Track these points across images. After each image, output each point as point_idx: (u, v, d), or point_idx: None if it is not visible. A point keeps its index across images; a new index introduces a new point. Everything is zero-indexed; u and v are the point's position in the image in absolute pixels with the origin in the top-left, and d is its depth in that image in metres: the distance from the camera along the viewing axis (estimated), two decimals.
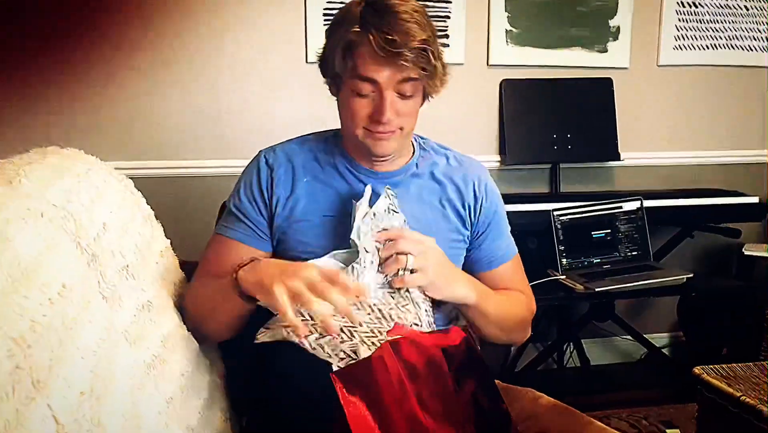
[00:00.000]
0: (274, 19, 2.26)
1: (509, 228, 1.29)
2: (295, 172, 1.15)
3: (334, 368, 0.91)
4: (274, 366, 1.19)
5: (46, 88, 2.16)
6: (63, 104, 2.18)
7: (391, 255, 1.02)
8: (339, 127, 1.18)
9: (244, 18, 2.25)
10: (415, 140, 1.23)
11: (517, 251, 1.29)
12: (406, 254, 1.02)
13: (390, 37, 0.98)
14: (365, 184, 1.14)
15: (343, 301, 0.86)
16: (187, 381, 1.01)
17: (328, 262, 1.04)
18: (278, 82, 2.28)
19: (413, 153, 1.21)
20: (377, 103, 1.04)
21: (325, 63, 1.10)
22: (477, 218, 1.22)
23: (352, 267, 1.01)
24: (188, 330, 1.09)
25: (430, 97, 1.12)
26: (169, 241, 1.19)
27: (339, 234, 1.11)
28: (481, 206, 1.21)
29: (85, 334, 0.64)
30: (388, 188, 1.11)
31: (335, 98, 1.15)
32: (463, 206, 1.20)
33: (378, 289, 1.02)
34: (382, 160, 1.15)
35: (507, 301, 1.20)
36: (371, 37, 0.99)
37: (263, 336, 1.01)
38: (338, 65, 1.05)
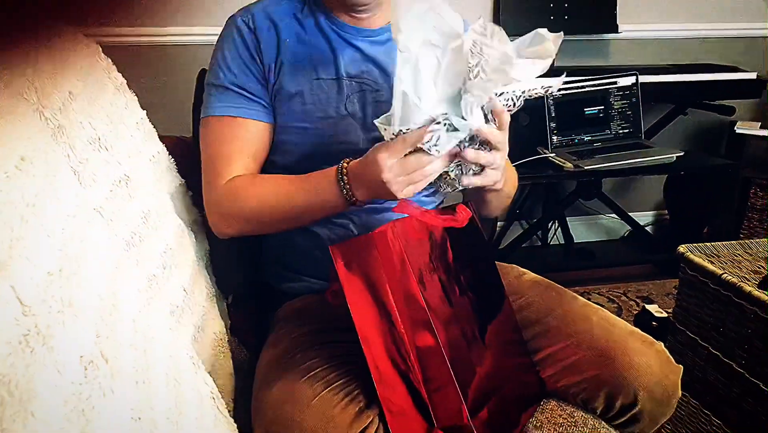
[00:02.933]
0: None
1: None
2: (278, 32, 1.06)
3: None
4: (272, 244, 1.17)
5: None
6: None
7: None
8: None
9: None
10: None
11: None
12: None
13: None
14: (349, 43, 1.07)
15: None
16: (170, 258, 0.98)
17: None
18: None
19: None
20: None
21: None
22: None
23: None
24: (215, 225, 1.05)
25: None
26: (144, 112, 1.11)
27: (331, 97, 1.05)
28: None
29: (50, 210, 0.59)
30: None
31: None
32: None
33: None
34: (361, 10, 1.06)
35: (511, 176, 1.16)
36: None
37: None
38: None
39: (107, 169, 0.90)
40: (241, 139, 1.05)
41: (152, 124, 1.12)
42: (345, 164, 0.93)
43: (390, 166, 0.84)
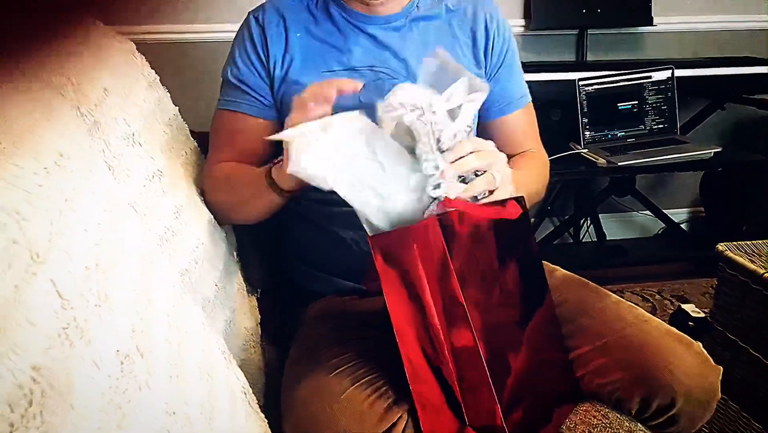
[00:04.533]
0: None
1: (522, 72, 1.20)
2: (287, 26, 1.06)
3: None
4: (295, 243, 1.17)
5: None
6: None
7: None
8: None
9: None
10: None
11: (530, 99, 1.20)
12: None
13: None
14: (362, 32, 1.06)
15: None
16: (202, 253, 0.99)
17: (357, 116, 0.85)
18: None
19: None
20: None
21: None
22: (490, 57, 1.13)
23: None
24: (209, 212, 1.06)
25: None
26: (177, 108, 1.12)
27: None
28: (493, 43, 1.12)
29: (87, 205, 0.60)
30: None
31: None
32: (475, 45, 1.11)
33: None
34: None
35: (533, 176, 1.14)
36: None
37: None
38: None
39: (141, 165, 0.91)
40: (234, 133, 1.08)
41: (184, 120, 1.13)
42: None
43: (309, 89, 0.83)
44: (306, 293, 1.17)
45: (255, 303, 1.23)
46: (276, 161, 0.93)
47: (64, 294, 0.49)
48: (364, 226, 0.83)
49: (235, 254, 1.18)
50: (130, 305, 0.59)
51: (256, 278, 1.24)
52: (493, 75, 1.14)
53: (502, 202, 0.87)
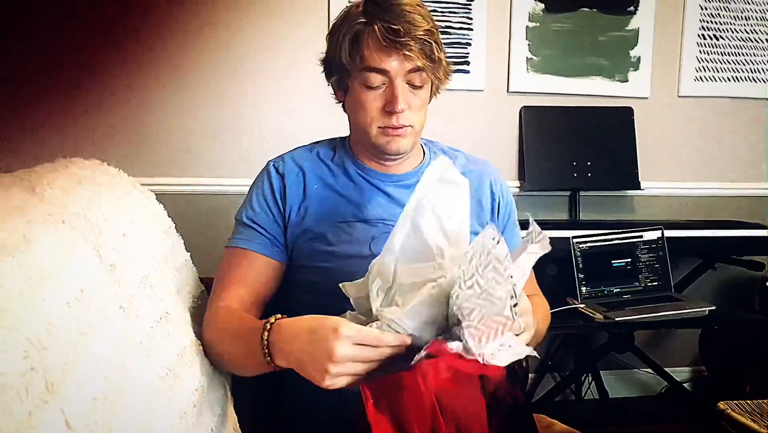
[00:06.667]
0: (297, 37, 2.29)
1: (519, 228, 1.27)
2: (305, 178, 1.15)
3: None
4: (293, 385, 1.16)
5: (67, 102, 2.20)
6: (85, 119, 2.22)
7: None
8: (347, 134, 1.19)
9: (267, 37, 2.29)
10: (425, 144, 1.23)
11: None
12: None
13: (395, 26, 1.00)
14: (377, 189, 1.14)
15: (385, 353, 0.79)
16: (201, 397, 0.99)
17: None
18: (299, 102, 2.30)
19: (423, 155, 1.21)
20: (389, 94, 1.05)
21: (330, 63, 1.11)
22: (496, 217, 1.21)
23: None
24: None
25: (437, 93, 1.14)
26: (188, 254, 1.18)
27: (355, 238, 1.10)
28: (498, 205, 1.21)
29: (100, 341, 0.63)
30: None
31: (341, 105, 1.16)
32: (481, 206, 1.19)
33: None
34: (395, 160, 1.14)
35: (540, 317, 1.16)
36: (376, 28, 1.01)
37: None
38: (345, 59, 1.05)
39: (150, 306, 0.94)
40: (243, 269, 1.11)
41: (194, 265, 1.19)
42: (273, 319, 0.90)
43: (346, 347, 0.77)
44: None
45: None
46: (265, 326, 0.89)
47: (72, 423, 0.50)
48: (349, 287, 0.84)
49: (233, 399, 1.18)
50: None
51: (248, 423, 1.22)
52: (502, 233, 1.20)
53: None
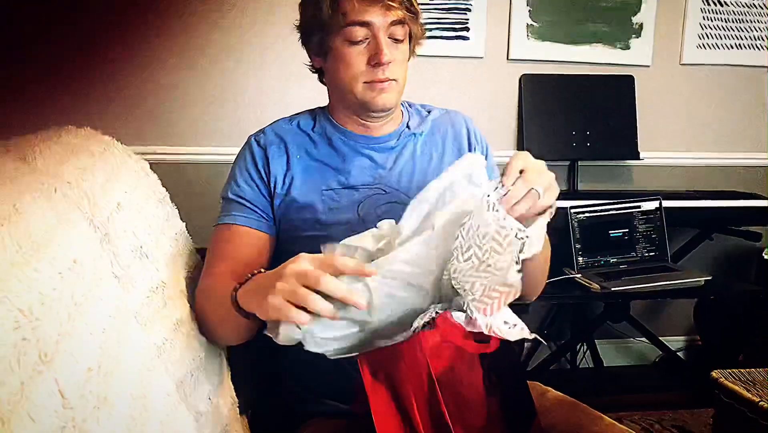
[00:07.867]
0: (294, 3, 2.24)
1: None
2: (288, 149, 1.14)
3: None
4: (293, 358, 1.17)
5: (59, 69, 2.16)
6: (77, 87, 2.18)
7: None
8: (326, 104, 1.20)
9: (263, 3, 2.25)
10: (402, 104, 1.23)
11: None
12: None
13: None
14: (360, 153, 1.14)
15: (341, 287, 0.74)
16: (198, 367, 0.99)
17: (365, 237, 0.86)
18: (295, 70, 2.27)
19: (402, 115, 1.21)
20: (373, 47, 1.05)
21: (309, 26, 1.10)
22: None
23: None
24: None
25: (414, 53, 1.15)
26: (184, 224, 1.17)
27: (342, 205, 1.10)
28: (476, 149, 1.22)
29: (94, 311, 0.63)
30: None
31: (317, 75, 1.18)
32: (462, 150, 1.20)
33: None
34: (380, 118, 1.14)
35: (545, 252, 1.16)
36: None
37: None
38: (326, 17, 1.05)
39: (146, 276, 0.94)
40: (232, 244, 1.10)
41: (190, 236, 1.18)
42: (250, 275, 0.90)
43: (299, 262, 0.77)
44: (295, 416, 1.16)
45: (246, 423, 1.21)
46: (242, 282, 0.90)
47: (66, 393, 0.50)
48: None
49: (229, 370, 1.18)
50: (126, 409, 0.60)
51: (247, 397, 1.23)
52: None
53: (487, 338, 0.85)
